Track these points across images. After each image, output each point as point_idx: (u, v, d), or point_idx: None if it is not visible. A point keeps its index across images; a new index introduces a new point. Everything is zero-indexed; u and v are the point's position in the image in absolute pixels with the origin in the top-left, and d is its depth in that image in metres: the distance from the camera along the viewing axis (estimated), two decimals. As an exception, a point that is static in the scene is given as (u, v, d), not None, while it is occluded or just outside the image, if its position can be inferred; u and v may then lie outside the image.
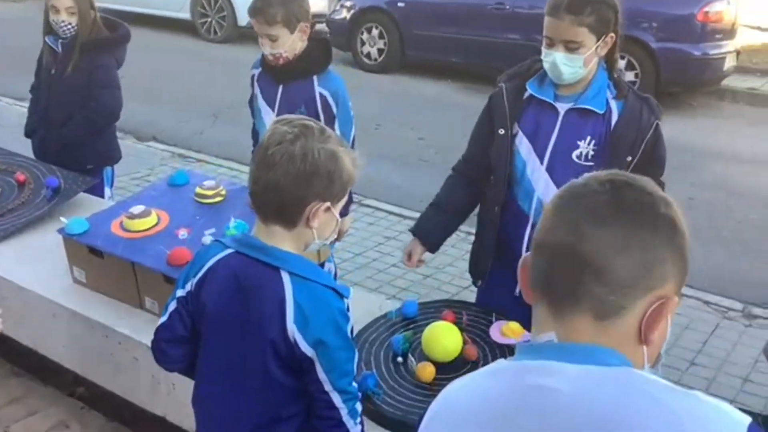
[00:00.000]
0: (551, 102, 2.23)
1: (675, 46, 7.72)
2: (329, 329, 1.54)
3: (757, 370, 3.50)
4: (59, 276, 2.63)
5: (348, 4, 9.61)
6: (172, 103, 7.62)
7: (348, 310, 1.61)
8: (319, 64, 2.84)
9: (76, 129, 3.44)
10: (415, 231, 2.53)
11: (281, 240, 1.57)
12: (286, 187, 1.50)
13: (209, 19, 10.71)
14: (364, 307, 2.50)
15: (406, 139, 6.83)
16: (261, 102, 2.91)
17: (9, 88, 7.33)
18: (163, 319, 1.72)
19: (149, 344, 2.27)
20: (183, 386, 2.08)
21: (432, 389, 1.99)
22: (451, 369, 2.05)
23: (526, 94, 2.27)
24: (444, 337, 2.07)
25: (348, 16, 9.53)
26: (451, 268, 4.38)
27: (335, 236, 1.69)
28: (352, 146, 2.94)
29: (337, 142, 1.58)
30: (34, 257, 2.77)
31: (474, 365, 2.07)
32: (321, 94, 2.82)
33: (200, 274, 1.63)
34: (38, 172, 3.23)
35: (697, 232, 4.05)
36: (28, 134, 3.62)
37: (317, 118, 2.85)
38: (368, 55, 9.33)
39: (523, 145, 2.26)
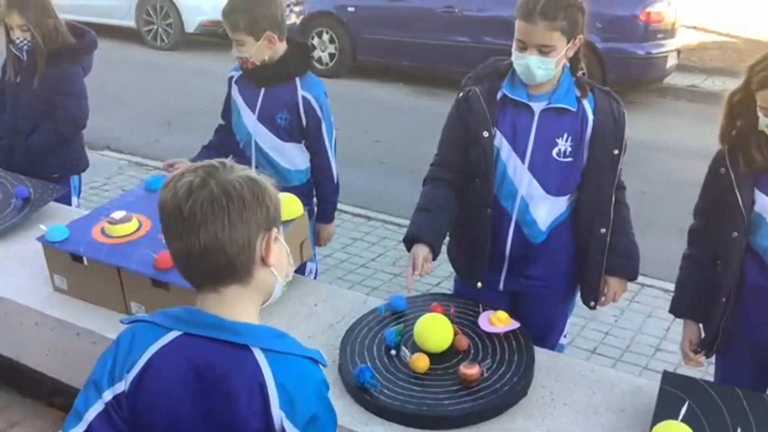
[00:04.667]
0: (526, 102, 2.28)
1: (619, 46, 7.99)
2: (318, 404, 1.31)
3: (717, 353, 3.66)
4: (39, 284, 2.60)
5: (297, 9, 9.63)
6: (123, 112, 7.52)
7: None
8: (300, 68, 2.88)
9: (42, 138, 3.41)
10: (414, 236, 2.35)
11: (239, 304, 1.32)
12: (228, 237, 1.25)
13: (155, 27, 10.58)
14: (349, 305, 2.54)
15: (364, 141, 6.89)
16: (241, 104, 2.93)
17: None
18: (78, 429, 1.32)
19: (139, 349, 2.30)
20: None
21: (427, 379, 2.05)
22: (444, 359, 2.12)
23: (499, 96, 2.32)
24: (436, 329, 2.13)
25: (298, 21, 9.55)
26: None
27: (292, 270, 1.45)
28: (334, 150, 2.99)
29: (242, 167, 1.36)
30: (11, 267, 2.73)
31: (465, 355, 2.14)
32: (304, 97, 2.86)
33: (137, 369, 1.30)
34: (6, 181, 3.17)
35: (652, 224, 4.23)
36: None
37: (299, 121, 2.89)
38: (319, 60, 9.36)
39: (503, 146, 2.30)
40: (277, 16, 2.79)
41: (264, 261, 1.32)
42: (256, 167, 3.00)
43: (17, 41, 3.28)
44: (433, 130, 7.93)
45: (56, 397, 2.91)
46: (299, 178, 3.00)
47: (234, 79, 2.99)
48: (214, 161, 1.33)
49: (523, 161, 2.30)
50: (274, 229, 1.33)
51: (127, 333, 1.36)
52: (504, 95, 2.31)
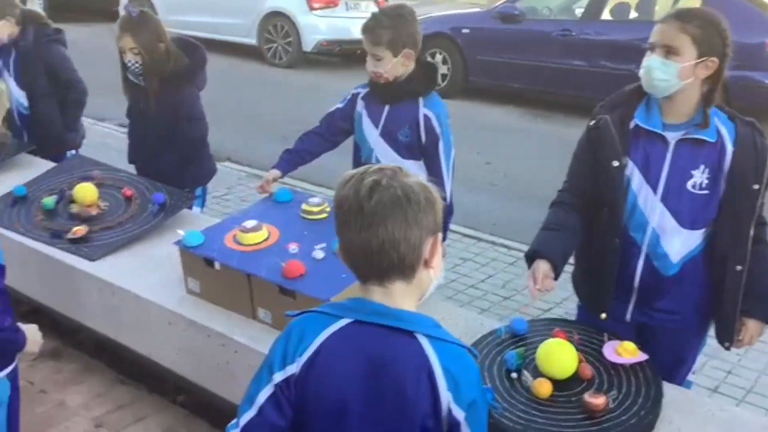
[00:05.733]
0: (660, 132, 2.23)
1: (745, 74, 7.65)
2: (477, 390, 1.41)
3: None
4: (173, 286, 2.74)
5: (412, 30, 9.76)
6: (243, 126, 7.81)
7: None
8: (425, 87, 2.93)
9: (169, 161, 3.50)
10: (535, 252, 2.30)
11: (402, 298, 1.40)
12: (403, 236, 1.34)
13: (275, 45, 10.97)
14: (466, 325, 2.55)
15: (474, 163, 6.88)
16: (365, 119, 3.02)
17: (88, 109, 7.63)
18: (251, 413, 1.41)
19: (264, 353, 2.39)
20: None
21: (549, 405, 2.03)
22: (566, 386, 2.09)
23: (632, 125, 2.27)
24: (561, 355, 2.11)
25: (412, 42, 9.67)
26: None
27: (442, 274, 1.53)
28: (453, 170, 3.01)
29: (413, 173, 1.44)
30: (147, 268, 2.89)
31: (589, 384, 2.10)
32: (425, 115, 2.90)
33: (308, 353, 1.38)
34: (143, 187, 3.36)
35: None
36: (130, 161, 3.75)
37: (419, 138, 2.93)
38: (431, 80, 9.41)
39: (634, 176, 2.25)
40: (416, 33, 2.87)
41: (427, 263, 1.41)
42: None
43: (129, 64, 3.36)
44: (545, 153, 7.85)
45: (179, 394, 3.05)
46: None
47: (360, 96, 3.07)
48: (393, 166, 1.42)
49: (655, 192, 2.24)
50: (439, 234, 1.42)
51: (298, 322, 1.45)
52: (637, 124, 2.26)
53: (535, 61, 8.74)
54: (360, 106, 3.06)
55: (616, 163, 2.25)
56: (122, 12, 12.92)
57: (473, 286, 4.48)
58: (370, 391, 1.35)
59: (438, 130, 2.93)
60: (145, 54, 3.32)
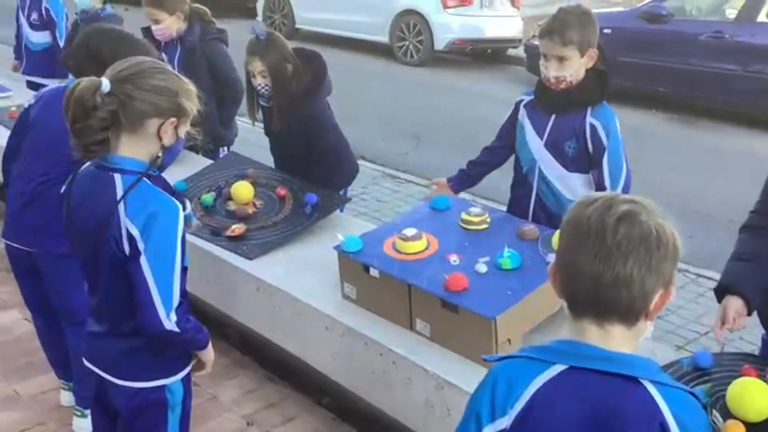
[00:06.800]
0: None
1: None
2: None
3: None
4: (328, 290, 2.73)
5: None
6: (375, 124, 7.83)
7: None
8: (596, 95, 2.79)
9: (313, 174, 3.43)
10: (727, 286, 2.15)
11: (621, 344, 1.27)
12: (640, 279, 1.22)
13: (406, 43, 10.97)
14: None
15: (615, 170, 6.60)
16: (528, 129, 2.90)
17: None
18: None
19: (424, 367, 2.33)
20: (460, 411, 2.05)
21: (741, 450, 1.85)
22: (761, 430, 1.91)
23: None
24: (757, 395, 1.91)
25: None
26: (685, 311, 4.14)
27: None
28: (625, 186, 2.80)
29: (663, 214, 1.29)
30: (301, 270, 2.89)
31: (788, 429, 1.90)
32: (591, 125, 2.76)
33: (521, 404, 1.27)
34: (297, 188, 3.37)
35: None
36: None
37: (586, 150, 2.79)
38: (567, 82, 9.14)
39: None
40: (598, 32, 2.76)
41: (649, 314, 1.27)
42: (537, 195, 2.95)
43: (259, 89, 3.29)
44: (692, 162, 7.42)
45: (323, 397, 3.05)
46: None
47: (523, 103, 2.96)
48: (646, 200, 1.28)
49: None
50: (672, 289, 1.28)
51: (502, 369, 1.34)
52: None
53: (682, 64, 8.33)
54: (522, 114, 2.94)
55: None
56: (259, 18, 13.08)
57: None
58: None
59: (604, 140, 2.77)
60: (274, 75, 3.24)
